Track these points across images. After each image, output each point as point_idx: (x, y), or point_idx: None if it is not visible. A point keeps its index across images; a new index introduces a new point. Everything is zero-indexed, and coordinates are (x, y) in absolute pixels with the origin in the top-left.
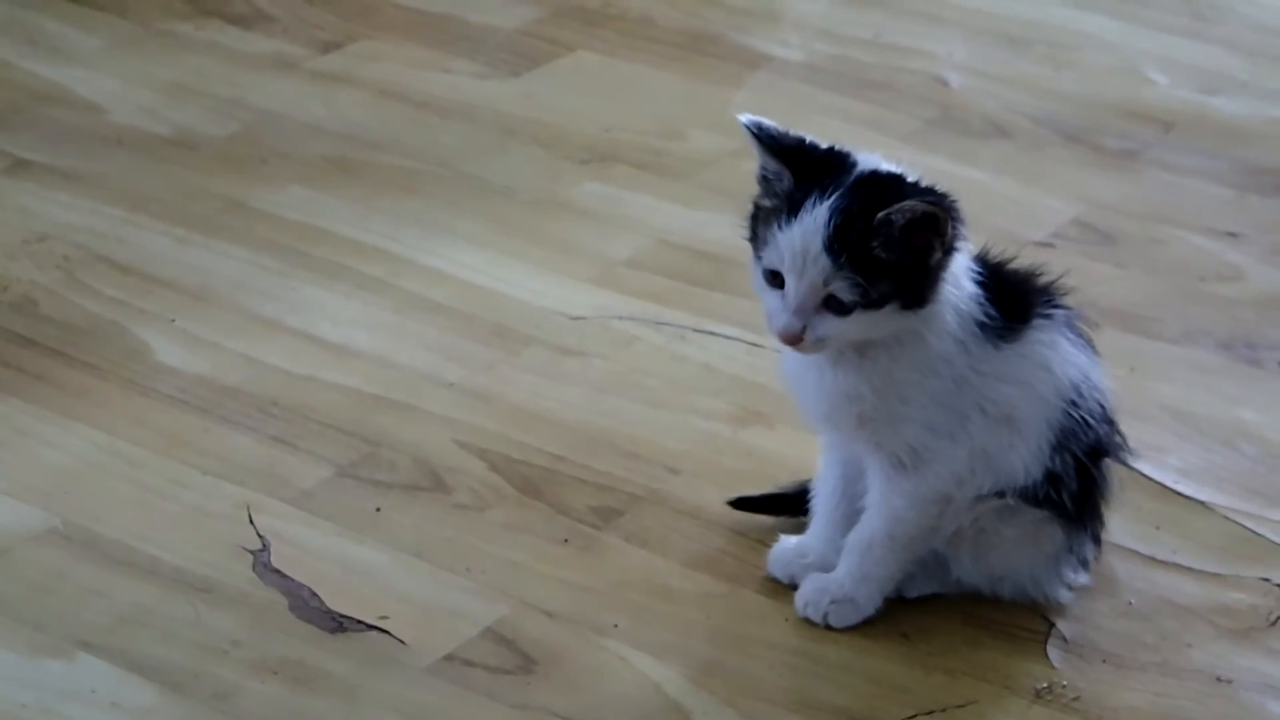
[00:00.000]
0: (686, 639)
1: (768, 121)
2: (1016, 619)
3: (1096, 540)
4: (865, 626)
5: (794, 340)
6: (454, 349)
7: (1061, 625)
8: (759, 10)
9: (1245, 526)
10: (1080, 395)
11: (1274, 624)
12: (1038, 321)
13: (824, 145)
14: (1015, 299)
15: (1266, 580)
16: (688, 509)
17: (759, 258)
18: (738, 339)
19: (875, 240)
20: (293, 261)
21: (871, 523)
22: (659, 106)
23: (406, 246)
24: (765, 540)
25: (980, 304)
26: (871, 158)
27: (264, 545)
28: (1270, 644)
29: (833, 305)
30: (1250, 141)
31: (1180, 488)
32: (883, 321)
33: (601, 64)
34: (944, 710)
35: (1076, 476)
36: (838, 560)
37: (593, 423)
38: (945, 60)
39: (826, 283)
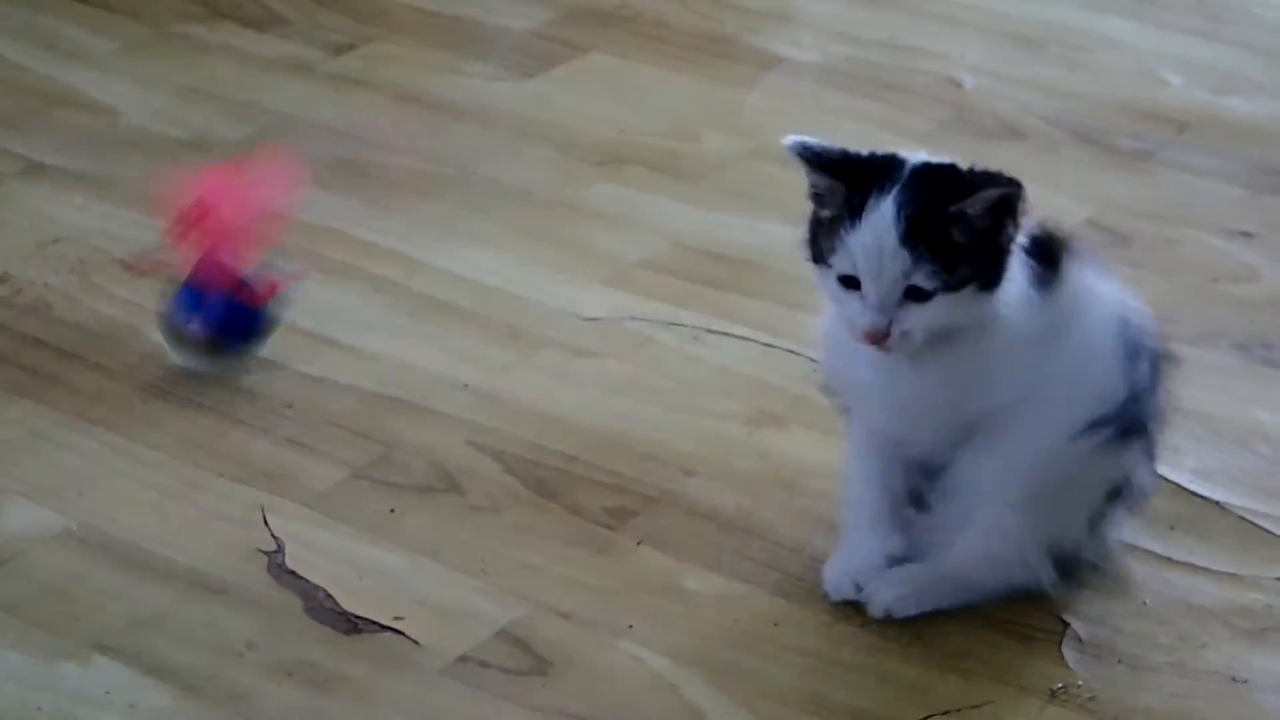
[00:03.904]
0: (702, 640)
1: (810, 139)
2: (1032, 619)
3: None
4: (880, 627)
5: (880, 337)
6: (468, 350)
7: (1077, 626)
8: (773, 12)
9: (1261, 527)
10: (1127, 311)
11: None
12: (1068, 263)
13: (865, 152)
14: (1041, 245)
15: None
16: (703, 510)
17: (829, 266)
18: (752, 340)
19: (952, 228)
20: (307, 263)
21: (997, 457)
22: (673, 108)
23: (420, 248)
24: (782, 542)
25: (1025, 261)
26: (917, 154)
27: (279, 547)
28: None
29: (914, 295)
30: (1265, 142)
31: (1196, 488)
32: (963, 304)
33: (615, 66)
34: (959, 711)
35: (1143, 392)
36: (898, 548)
37: (607, 424)
38: (959, 61)
39: (906, 275)
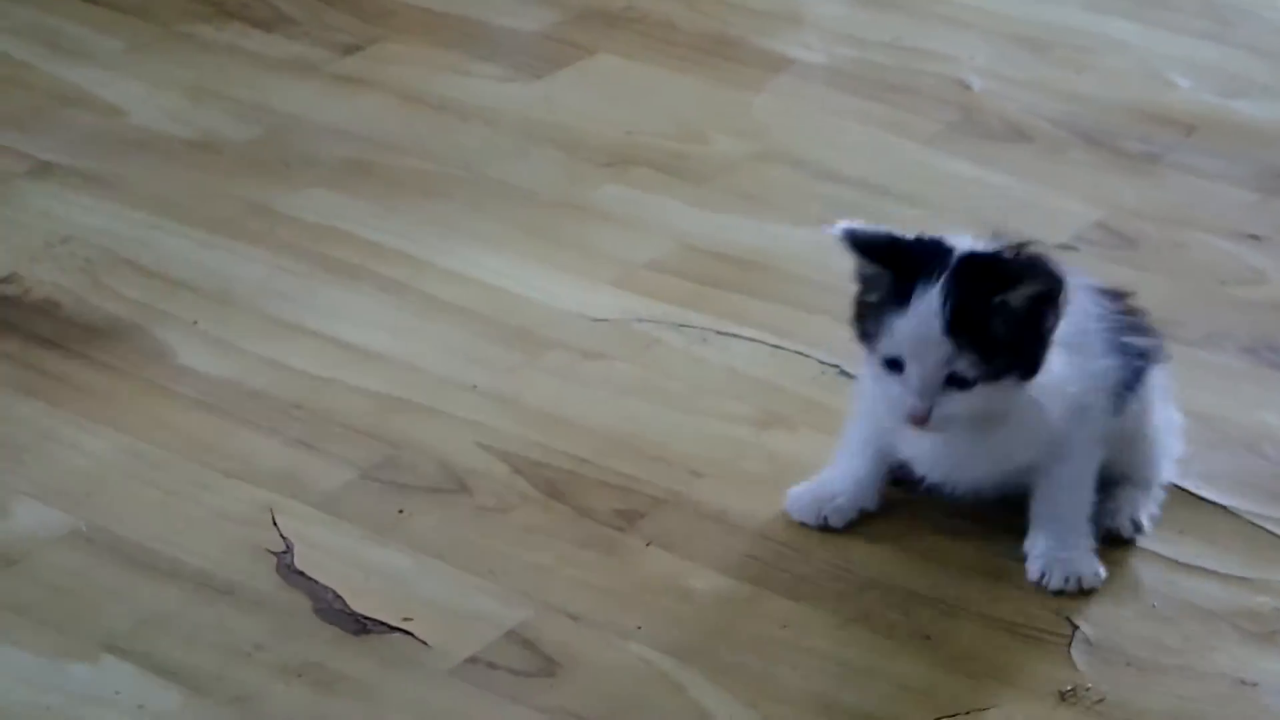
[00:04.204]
0: (709, 641)
1: (857, 225)
2: (1040, 622)
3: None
4: (887, 628)
5: (921, 421)
6: (476, 352)
7: (1085, 628)
8: (780, 13)
9: (1269, 531)
10: (1103, 305)
11: None
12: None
13: (911, 235)
14: None
15: None
16: (710, 512)
17: (874, 350)
18: (760, 341)
19: (995, 319)
20: (314, 264)
21: (1062, 483)
22: (680, 110)
23: (428, 249)
24: (789, 543)
25: None
26: (963, 238)
27: (287, 547)
28: None
29: (955, 382)
30: (1272, 144)
31: (1203, 492)
32: (1002, 392)
33: (623, 67)
34: (967, 713)
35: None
36: (869, 503)
37: (615, 425)
38: (966, 63)
39: (948, 363)
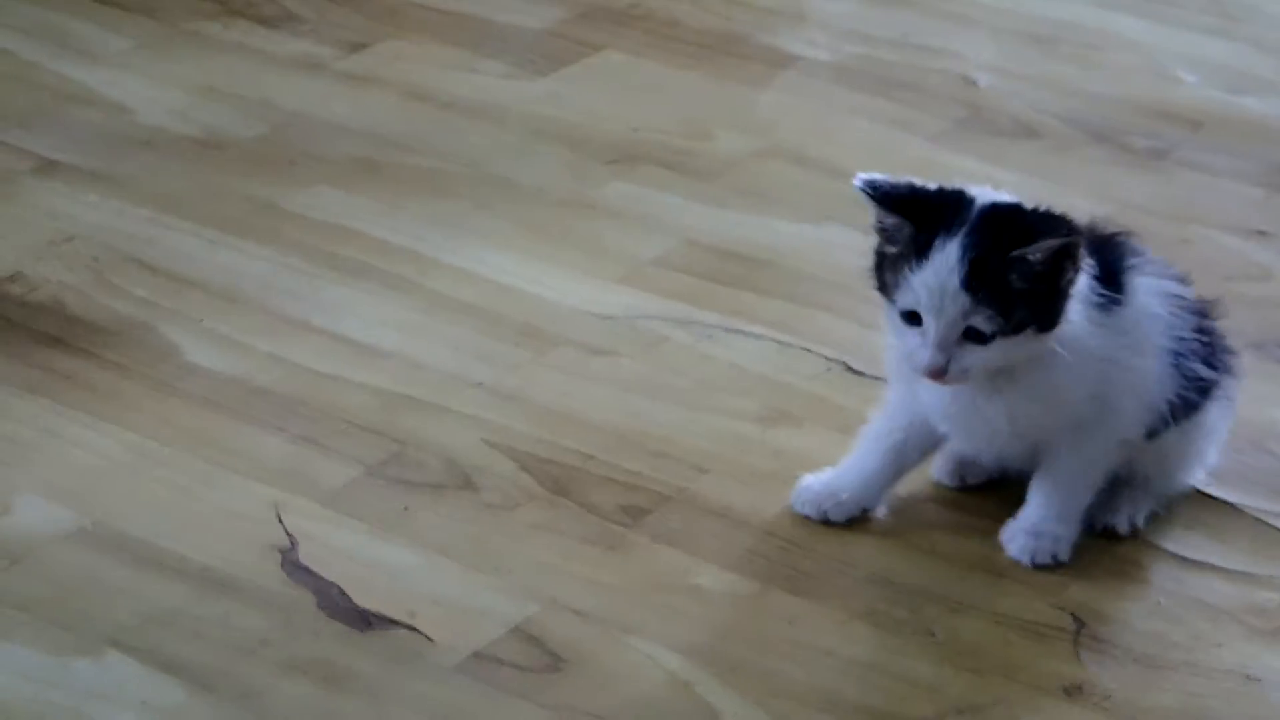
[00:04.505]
0: (715, 638)
1: (879, 177)
2: (1046, 618)
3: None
4: (894, 625)
5: (939, 374)
6: (482, 349)
7: (1092, 625)
8: (786, 10)
9: (1276, 527)
10: (1177, 316)
11: None
12: (1126, 278)
13: (933, 186)
14: (1104, 265)
15: None
16: (716, 508)
17: (893, 301)
18: (766, 338)
19: (1012, 273)
20: (321, 262)
21: (1063, 466)
22: (686, 107)
23: (434, 247)
24: (795, 540)
25: (1088, 286)
26: (984, 190)
27: (293, 544)
28: None
29: (973, 336)
30: (1279, 140)
31: (1210, 489)
32: (1021, 346)
33: (628, 64)
34: (974, 709)
35: (1201, 366)
36: (871, 503)
37: (621, 422)
38: (973, 60)
39: (966, 316)
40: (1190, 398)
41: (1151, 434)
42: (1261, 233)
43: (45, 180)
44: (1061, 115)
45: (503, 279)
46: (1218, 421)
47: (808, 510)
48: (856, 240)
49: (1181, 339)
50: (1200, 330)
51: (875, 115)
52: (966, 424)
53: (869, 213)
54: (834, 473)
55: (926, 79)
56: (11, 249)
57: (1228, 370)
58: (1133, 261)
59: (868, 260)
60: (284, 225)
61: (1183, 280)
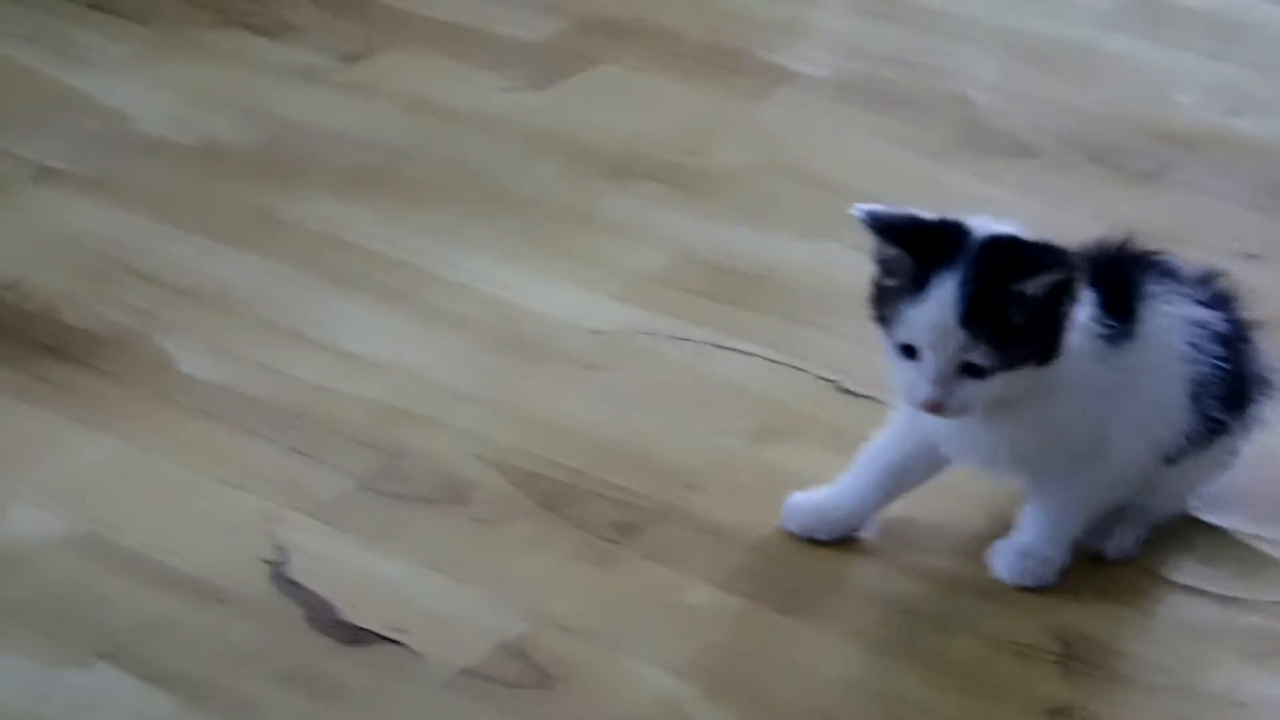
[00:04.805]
0: (705, 655)
1: (879, 208)
2: (1034, 640)
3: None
4: (883, 645)
5: (936, 408)
6: (475, 362)
7: (1080, 647)
8: (785, 26)
9: (1266, 552)
10: (1198, 348)
11: None
12: (1140, 308)
13: (933, 218)
14: (1118, 294)
15: None
16: (708, 525)
17: (889, 334)
18: (760, 356)
19: (1010, 309)
20: (317, 273)
21: (1060, 493)
22: (684, 121)
23: (430, 259)
24: (786, 558)
25: (1095, 319)
26: (983, 221)
27: (284, 556)
28: None
29: (970, 371)
30: (1274, 162)
31: (1199, 512)
32: (1020, 379)
33: (627, 78)
34: None
35: (1222, 403)
36: (859, 522)
37: (613, 437)
38: (971, 78)
39: (964, 351)
40: (1208, 431)
41: (1168, 460)
42: (1254, 255)
43: (43, 188)
44: (1058, 134)
45: (498, 292)
46: (1235, 450)
47: (795, 528)
48: (853, 258)
49: (1203, 371)
50: (1230, 358)
51: (873, 132)
52: (966, 449)
53: (870, 244)
54: (827, 492)
55: (925, 96)
56: (8, 257)
57: (1262, 395)
58: (1153, 289)
59: (867, 289)
60: (281, 235)
61: (1219, 303)
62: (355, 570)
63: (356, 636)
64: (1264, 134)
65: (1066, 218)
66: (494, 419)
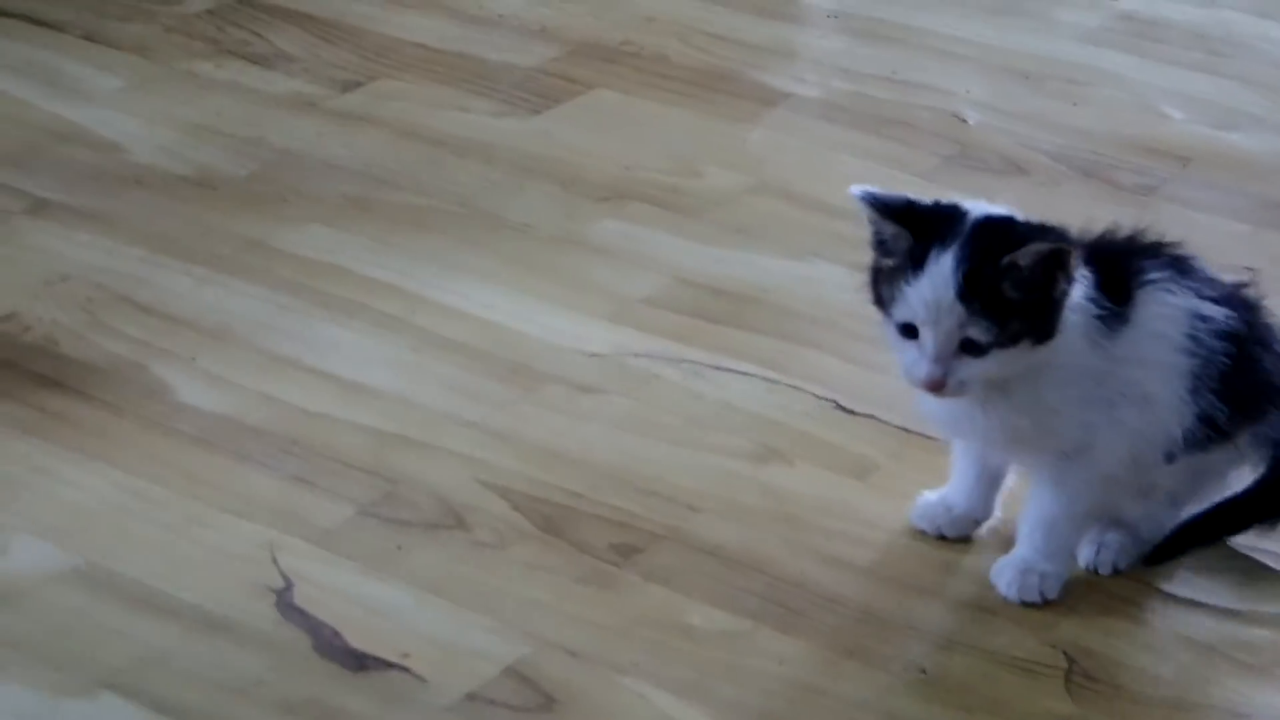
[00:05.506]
0: (707, 677)
1: (876, 189)
2: (1034, 654)
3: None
4: (883, 662)
5: (937, 386)
6: (472, 387)
7: (1082, 662)
8: (776, 47)
9: (1264, 564)
10: (1197, 340)
11: None
12: (1138, 294)
13: (929, 201)
14: (1116, 280)
15: None
16: (708, 547)
17: (889, 315)
18: (756, 376)
19: (1005, 282)
20: (312, 300)
21: (1048, 502)
22: (676, 144)
23: (424, 285)
24: (786, 578)
25: (1091, 300)
26: (978, 204)
27: (286, 584)
28: None
29: (969, 348)
30: (1266, 176)
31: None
32: (1017, 357)
33: (619, 102)
34: None
35: (1224, 405)
36: (981, 513)
37: (611, 460)
38: (962, 97)
39: (962, 328)
40: (1207, 432)
41: (1168, 458)
42: (1248, 269)
43: (38, 220)
44: (1049, 151)
45: (493, 317)
46: (1237, 461)
47: (924, 525)
48: (846, 277)
49: (1203, 366)
50: (1239, 360)
51: (864, 152)
52: (964, 430)
53: (867, 225)
54: (947, 488)
55: (915, 116)
56: (4, 289)
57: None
58: (1154, 276)
59: (864, 276)
60: (275, 264)
61: (1233, 304)
62: (358, 597)
63: (360, 663)
64: (1255, 148)
65: None
66: (492, 443)
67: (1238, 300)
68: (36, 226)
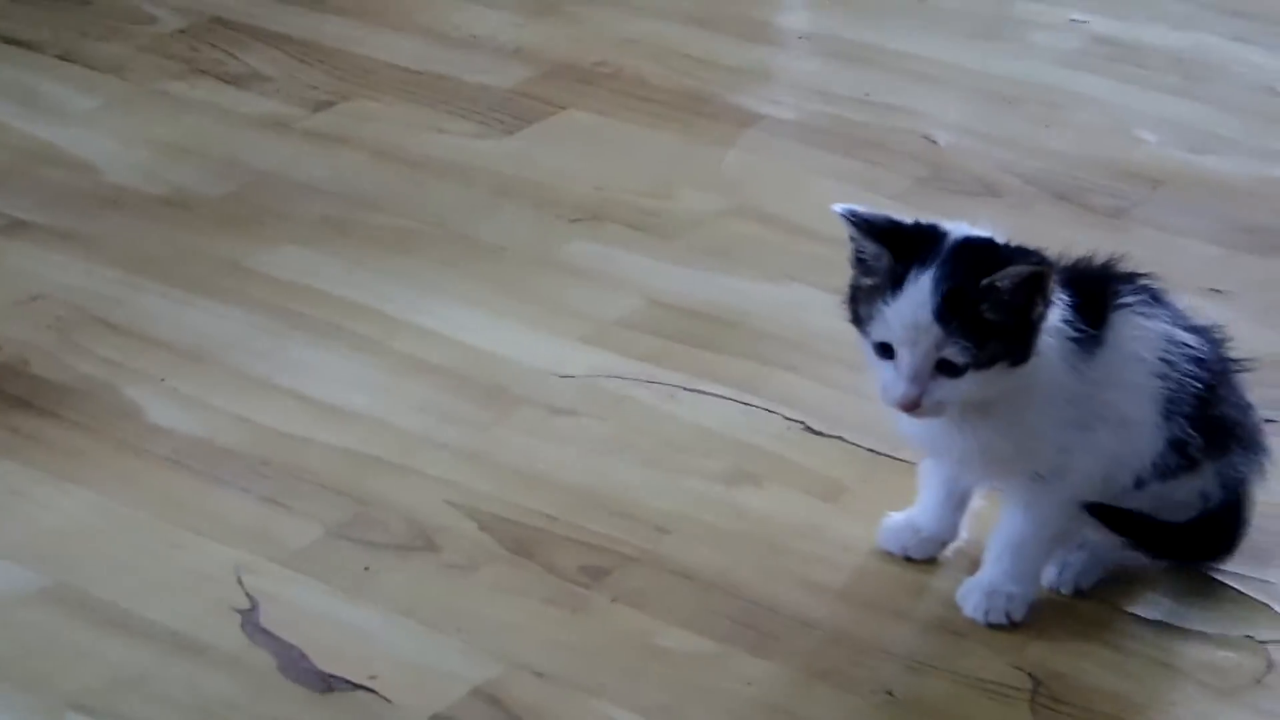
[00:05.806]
0: (677, 699)
1: (859, 207)
2: (1004, 677)
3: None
4: (853, 685)
5: (912, 406)
6: (446, 409)
7: (1050, 684)
8: (751, 69)
9: (1232, 586)
10: (1171, 365)
11: (1260, 682)
12: (1113, 317)
13: (910, 221)
14: (1091, 303)
15: (1252, 639)
16: (679, 569)
17: (866, 334)
18: (729, 398)
19: (983, 304)
20: (286, 322)
21: (1017, 525)
22: (651, 166)
23: (399, 306)
24: (758, 600)
25: (1067, 322)
26: (959, 225)
27: (253, 605)
28: (1257, 703)
29: (945, 369)
30: (1239, 199)
31: None
32: (994, 379)
33: (594, 123)
34: None
35: (1194, 431)
36: (948, 534)
37: (584, 482)
38: (935, 119)
39: (939, 348)
40: (1177, 459)
41: (1137, 484)
42: (1219, 291)
43: (12, 240)
44: (1022, 174)
45: (467, 338)
46: (1205, 495)
47: (890, 546)
48: (820, 300)
49: (1176, 391)
50: (1209, 388)
51: (839, 174)
52: (940, 450)
53: (847, 244)
54: (914, 509)
55: (889, 138)
56: None
57: (1242, 443)
58: (1128, 300)
59: (842, 295)
60: (250, 285)
61: (1206, 333)
62: (326, 618)
63: (328, 685)
64: (1229, 171)
65: None
66: (464, 465)
67: (1203, 330)
68: (11, 247)
